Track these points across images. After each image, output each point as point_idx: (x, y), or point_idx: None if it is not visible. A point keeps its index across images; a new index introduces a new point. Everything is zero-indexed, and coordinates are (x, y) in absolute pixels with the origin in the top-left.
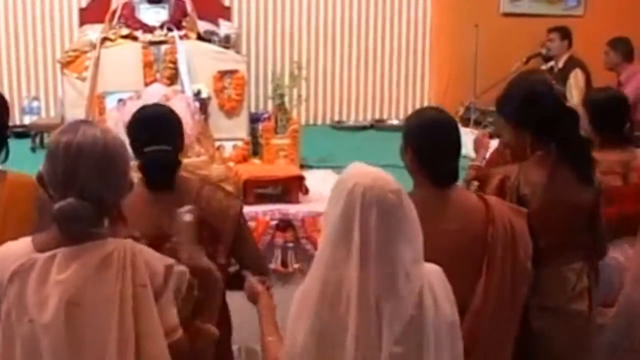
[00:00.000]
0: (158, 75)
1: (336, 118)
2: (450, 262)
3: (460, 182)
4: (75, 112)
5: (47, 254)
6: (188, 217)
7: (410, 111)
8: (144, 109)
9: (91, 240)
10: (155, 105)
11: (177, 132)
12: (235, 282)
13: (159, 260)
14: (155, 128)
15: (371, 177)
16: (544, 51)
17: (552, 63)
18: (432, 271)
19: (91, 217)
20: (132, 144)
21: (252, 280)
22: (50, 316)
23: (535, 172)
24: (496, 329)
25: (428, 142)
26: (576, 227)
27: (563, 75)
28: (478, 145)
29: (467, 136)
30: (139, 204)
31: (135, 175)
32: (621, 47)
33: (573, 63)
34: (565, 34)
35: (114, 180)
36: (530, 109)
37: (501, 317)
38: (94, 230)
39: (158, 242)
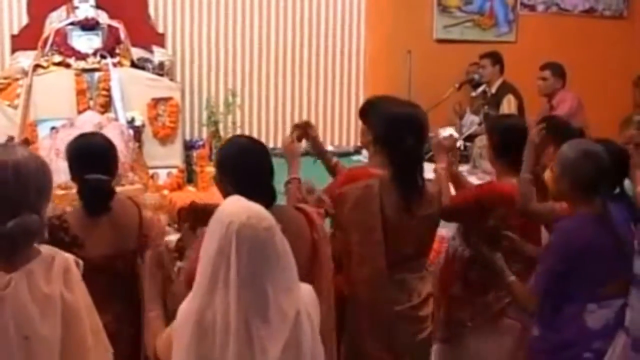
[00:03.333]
0: (91, 103)
1: (271, 145)
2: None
3: None
4: None
5: (22, 270)
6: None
7: (344, 137)
8: (80, 137)
9: (39, 253)
10: (91, 133)
11: (113, 161)
12: None
13: (71, 257)
14: (93, 157)
15: (246, 214)
16: (476, 77)
17: (482, 88)
18: (306, 292)
19: (41, 230)
20: (71, 170)
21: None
22: (50, 329)
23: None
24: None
25: (242, 167)
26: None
27: (496, 100)
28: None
29: None
30: (87, 228)
31: None
32: (561, 72)
33: (506, 88)
34: (496, 59)
35: (47, 199)
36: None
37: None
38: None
39: (114, 259)
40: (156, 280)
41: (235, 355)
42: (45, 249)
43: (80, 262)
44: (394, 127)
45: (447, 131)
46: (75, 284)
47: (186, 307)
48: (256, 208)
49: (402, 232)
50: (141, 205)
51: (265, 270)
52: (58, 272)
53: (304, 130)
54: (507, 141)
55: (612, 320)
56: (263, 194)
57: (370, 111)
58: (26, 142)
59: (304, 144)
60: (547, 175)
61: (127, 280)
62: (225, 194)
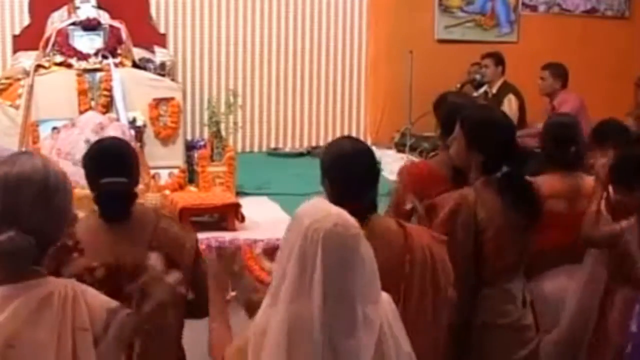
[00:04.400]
0: (93, 103)
1: (272, 145)
2: None
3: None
4: (9, 140)
5: None
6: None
7: None
8: (101, 142)
9: (31, 279)
10: (113, 138)
11: (133, 165)
12: (191, 310)
13: (101, 303)
14: (112, 161)
15: (332, 220)
16: (478, 77)
17: (484, 88)
18: (385, 301)
19: (33, 252)
20: (87, 175)
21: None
22: None
23: (489, 197)
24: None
25: (344, 174)
26: (523, 248)
27: (497, 100)
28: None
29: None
30: (94, 235)
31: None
32: (560, 73)
33: (507, 88)
34: (499, 59)
35: (55, 213)
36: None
37: (421, 343)
38: (35, 268)
39: (116, 271)
40: (221, 289)
41: None
42: (46, 281)
43: (123, 312)
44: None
45: None
46: (49, 322)
47: (273, 316)
48: (341, 213)
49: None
50: (162, 216)
51: (353, 281)
52: (26, 305)
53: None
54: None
55: None
56: (364, 201)
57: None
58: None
59: None
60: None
61: (127, 294)
62: (327, 196)
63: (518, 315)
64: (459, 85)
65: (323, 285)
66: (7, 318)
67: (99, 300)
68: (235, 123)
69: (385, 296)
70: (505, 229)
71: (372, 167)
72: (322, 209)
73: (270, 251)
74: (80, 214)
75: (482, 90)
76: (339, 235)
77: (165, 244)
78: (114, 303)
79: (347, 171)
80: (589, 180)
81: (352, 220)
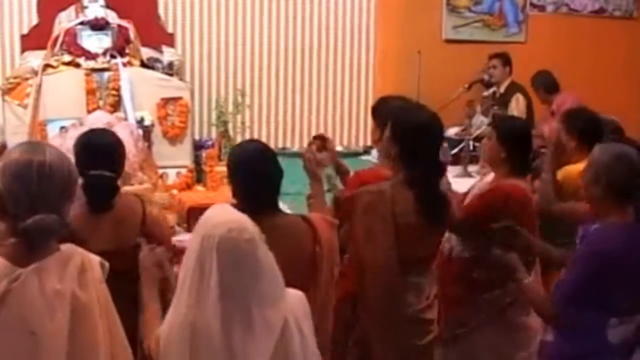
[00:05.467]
0: (101, 103)
1: (280, 145)
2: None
3: None
4: (17, 139)
5: (33, 266)
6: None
7: (353, 137)
8: (89, 132)
9: (56, 251)
10: (101, 130)
11: (119, 159)
12: None
13: (96, 259)
14: (99, 153)
15: (227, 226)
16: (486, 77)
17: (494, 88)
18: (296, 300)
19: (61, 230)
20: (77, 166)
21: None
22: (57, 325)
23: (404, 194)
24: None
25: (246, 176)
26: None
27: (505, 100)
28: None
29: None
30: (82, 223)
31: None
32: (542, 84)
33: (514, 88)
34: (506, 60)
35: (70, 200)
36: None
37: (323, 327)
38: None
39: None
40: (154, 279)
41: None
42: (67, 247)
43: (106, 264)
44: (416, 135)
45: None
46: (90, 283)
47: (172, 319)
48: (239, 219)
49: (416, 236)
50: (147, 202)
51: (248, 284)
52: (72, 271)
53: (321, 142)
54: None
55: (632, 336)
56: (265, 200)
57: (381, 110)
58: None
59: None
60: (563, 173)
61: (127, 278)
62: (233, 196)
63: (421, 307)
64: (466, 86)
65: (219, 289)
66: (66, 286)
67: (94, 257)
68: (243, 123)
69: (297, 295)
70: (411, 226)
71: (274, 169)
72: (220, 216)
73: None
74: None
75: (491, 90)
76: (233, 240)
77: (156, 226)
78: (98, 257)
79: (249, 173)
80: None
81: (249, 225)
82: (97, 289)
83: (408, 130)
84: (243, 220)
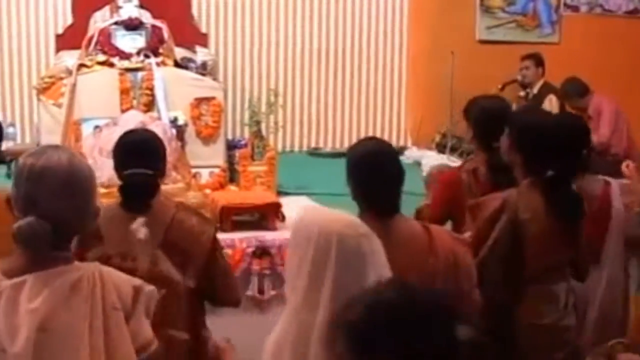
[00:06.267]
0: (135, 102)
1: (313, 145)
2: None
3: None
4: (51, 138)
5: (15, 280)
6: (142, 234)
7: (387, 137)
8: (129, 133)
9: (58, 265)
10: (140, 129)
11: (160, 157)
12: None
13: (127, 282)
14: (137, 152)
15: (341, 224)
16: (519, 78)
17: (527, 90)
18: None
19: (50, 237)
20: (115, 166)
21: (215, 339)
22: (20, 346)
23: (533, 198)
24: None
25: (368, 175)
26: (566, 250)
27: (537, 101)
28: (431, 182)
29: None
30: (115, 224)
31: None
32: (573, 90)
33: (547, 89)
34: (539, 60)
35: (78, 204)
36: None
37: None
38: (60, 254)
39: (126, 262)
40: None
41: None
42: (78, 264)
43: (146, 289)
44: (542, 139)
45: None
46: (80, 305)
47: (287, 322)
48: (347, 216)
49: (548, 242)
50: (185, 209)
51: (366, 281)
52: (61, 289)
53: None
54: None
55: None
56: (390, 202)
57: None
58: None
59: None
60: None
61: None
62: (353, 198)
63: (558, 316)
64: (500, 87)
65: (333, 288)
66: (40, 303)
67: (123, 279)
68: (275, 123)
69: None
70: (548, 231)
71: (396, 169)
72: (325, 215)
73: None
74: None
75: (526, 91)
76: (351, 237)
77: (179, 234)
78: (137, 280)
79: (371, 172)
80: None
81: (358, 220)
82: (102, 315)
83: (534, 136)
84: (352, 217)
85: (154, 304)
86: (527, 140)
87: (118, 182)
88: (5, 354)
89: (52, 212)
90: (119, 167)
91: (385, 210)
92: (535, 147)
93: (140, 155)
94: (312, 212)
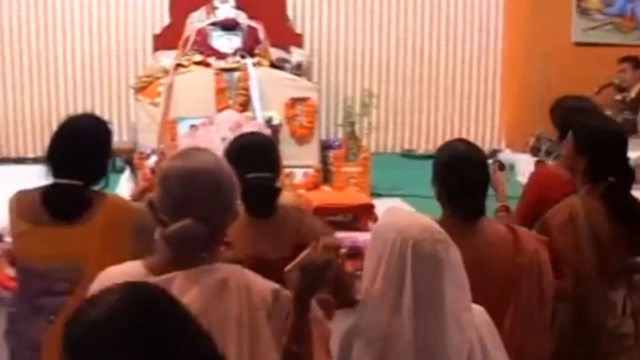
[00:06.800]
0: (230, 102)
1: (406, 146)
2: (475, 293)
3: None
4: (148, 137)
5: (164, 277)
6: None
7: (480, 140)
8: (244, 136)
9: (201, 264)
10: (255, 133)
11: (276, 159)
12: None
13: (267, 285)
14: (257, 155)
15: (418, 228)
16: (616, 81)
17: (624, 94)
18: (479, 316)
19: (205, 238)
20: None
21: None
22: None
23: (593, 205)
24: (525, 354)
25: (454, 179)
26: (625, 257)
27: (634, 105)
28: (495, 182)
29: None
30: (240, 230)
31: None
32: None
33: None
34: (637, 63)
35: (224, 206)
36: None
37: (529, 344)
38: (203, 253)
39: (260, 265)
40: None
41: None
42: (221, 265)
43: (283, 293)
44: (605, 147)
45: None
46: (234, 304)
47: (364, 323)
48: (425, 220)
49: (609, 249)
50: (305, 212)
51: (443, 288)
52: (208, 287)
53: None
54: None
55: None
56: (476, 206)
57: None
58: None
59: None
60: None
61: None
62: (437, 199)
63: (616, 322)
64: (596, 90)
65: (413, 293)
66: (191, 299)
67: (263, 282)
68: (369, 123)
69: (479, 309)
70: (606, 238)
71: (483, 171)
72: (404, 219)
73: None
74: None
75: (622, 95)
76: (427, 242)
77: (311, 239)
78: (275, 284)
79: (458, 174)
80: None
81: (436, 226)
82: (247, 314)
83: (597, 144)
84: (429, 221)
85: (288, 308)
86: (592, 145)
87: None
88: None
89: (205, 213)
90: (238, 172)
91: (471, 213)
92: (600, 153)
93: (260, 158)
94: (392, 214)
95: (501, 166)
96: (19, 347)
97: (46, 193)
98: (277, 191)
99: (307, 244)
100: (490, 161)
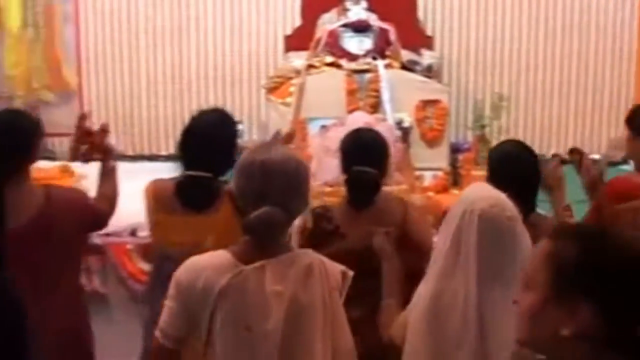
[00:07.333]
0: (361, 103)
1: (537, 151)
2: None
3: None
4: None
5: (255, 265)
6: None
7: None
8: (357, 131)
9: (284, 252)
10: (367, 129)
11: (384, 157)
12: None
13: (337, 267)
14: (364, 150)
15: (489, 201)
16: None
17: None
18: None
19: (283, 224)
20: (342, 162)
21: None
22: (273, 324)
23: None
24: None
25: (505, 177)
26: None
27: None
28: (553, 179)
29: None
30: (345, 220)
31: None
32: None
33: None
34: None
35: (300, 196)
36: None
37: None
38: (285, 242)
39: (365, 253)
40: (393, 264)
41: (470, 343)
42: (300, 251)
43: (350, 273)
44: None
45: None
46: (318, 288)
47: (422, 290)
48: (499, 195)
49: None
50: (409, 204)
51: (508, 263)
52: (297, 273)
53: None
54: None
55: None
56: (527, 203)
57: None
58: (290, 137)
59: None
60: None
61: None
62: None
63: None
64: None
65: (478, 264)
66: (284, 285)
67: (333, 264)
68: (500, 127)
69: None
70: None
71: (538, 172)
72: (481, 192)
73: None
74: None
75: None
76: (495, 215)
77: (415, 230)
78: (342, 266)
79: (510, 172)
80: None
81: (510, 204)
82: (328, 295)
83: None
84: (503, 197)
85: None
86: None
87: (342, 181)
88: (251, 333)
89: (284, 202)
90: (345, 162)
91: (525, 209)
92: None
93: (366, 153)
94: (472, 188)
95: (566, 161)
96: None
97: (179, 184)
98: (377, 187)
99: (410, 234)
100: (550, 156)
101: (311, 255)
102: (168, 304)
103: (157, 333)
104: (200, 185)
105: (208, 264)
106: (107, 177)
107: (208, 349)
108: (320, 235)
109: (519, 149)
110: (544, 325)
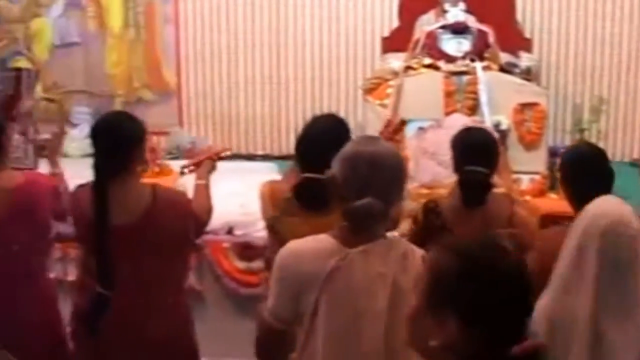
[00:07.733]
0: (458, 105)
1: (635, 155)
2: None
3: None
4: None
5: (360, 248)
6: None
7: None
8: (468, 130)
9: (380, 238)
10: (478, 128)
11: (495, 157)
12: None
13: (419, 250)
14: (478, 150)
15: (612, 219)
16: None
17: None
18: None
19: (382, 215)
20: (454, 159)
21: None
22: (381, 304)
23: None
24: None
25: (579, 176)
26: None
27: None
28: None
29: None
30: (455, 216)
31: None
32: None
33: None
34: None
35: (399, 189)
36: None
37: None
38: (382, 229)
39: None
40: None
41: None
42: (392, 236)
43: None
44: None
45: None
46: (412, 271)
47: (540, 304)
48: (625, 213)
49: None
50: (517, 202)
51: (628, 277)
52: (396, 257)
53: None
54: None
55: None
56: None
57: None
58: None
59: None
60: None
61: None
62: (566, 198)
63: None
64: None
65: (596, 280)
66: (388, 268)
67: (420, 251)
68: (599, 131)
69: None
70: None
71: (607, 171)
72: (608, 206)
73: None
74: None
75: None
76: (617, 234)
77: (519, 226)
78: (422, 252)
79: (582, 173)
80: None
81: (634, 221)
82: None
83: None
84: (628, 213)
85: None
86: None
87: (442, 182)
88: (358, 314)
89: (385, 194)
90: (457, 161)
91: None
92: None
93: (480, 153)
94: (601, 201)
95: None
96: None
97: (298, 186)
98: (488, 187)
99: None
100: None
101: (403, 242)
102: (274, 287)
103: (266, 315)
104: (318, 187)
105: (311, 248)
106: (205, 188)
107: (310, 334)
108: (430, 229)
109: (594, 150)
110: (420, 332)
